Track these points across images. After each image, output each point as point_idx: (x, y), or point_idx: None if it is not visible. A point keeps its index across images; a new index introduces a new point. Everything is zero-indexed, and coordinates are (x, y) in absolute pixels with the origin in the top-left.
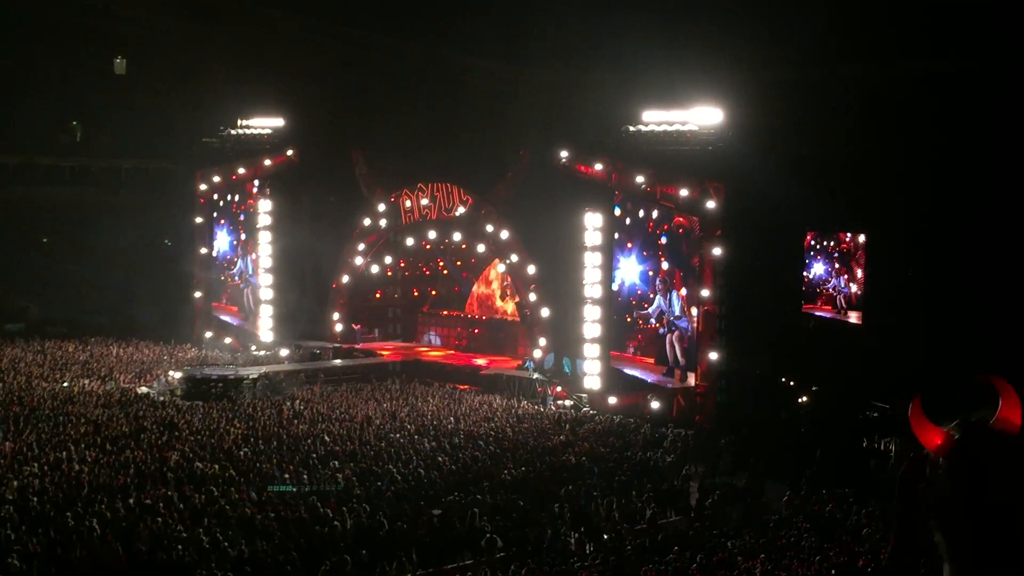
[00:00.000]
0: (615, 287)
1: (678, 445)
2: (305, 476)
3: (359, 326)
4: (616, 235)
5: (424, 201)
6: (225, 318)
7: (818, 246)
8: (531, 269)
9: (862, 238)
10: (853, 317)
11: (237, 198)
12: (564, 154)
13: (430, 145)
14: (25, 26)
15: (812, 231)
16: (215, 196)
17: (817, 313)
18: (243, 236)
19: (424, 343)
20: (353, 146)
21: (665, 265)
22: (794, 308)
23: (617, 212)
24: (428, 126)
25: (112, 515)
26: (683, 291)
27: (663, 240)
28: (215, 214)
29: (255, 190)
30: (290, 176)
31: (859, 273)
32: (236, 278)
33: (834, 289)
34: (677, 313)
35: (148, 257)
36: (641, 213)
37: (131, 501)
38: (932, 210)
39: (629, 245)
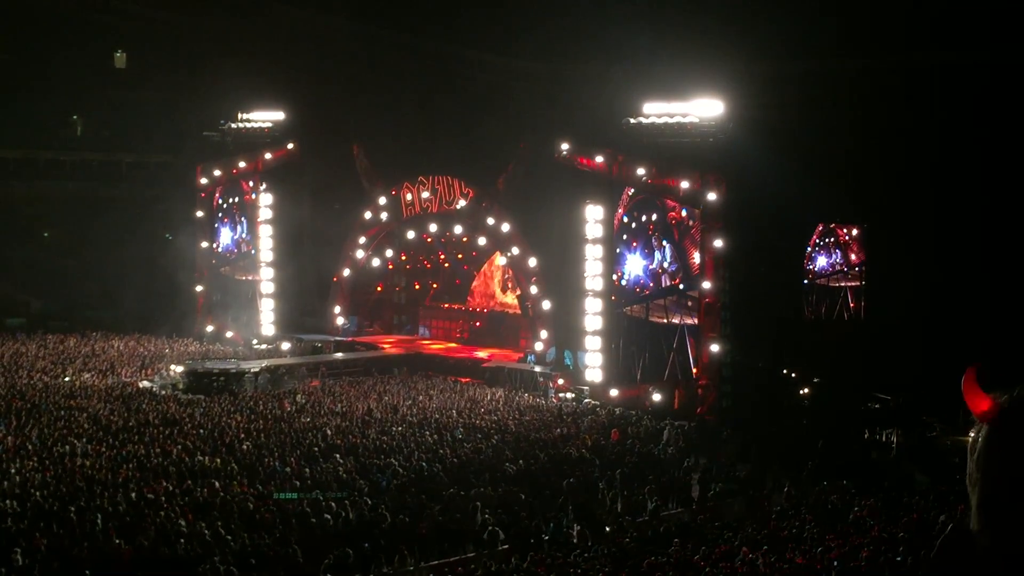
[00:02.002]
0: (624, 282)
1: (680, 437)
2: (307, 470)
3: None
4: (624, 236)
5: (425, 194)
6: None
7: (821, 242)
8: (532, 262)
9: (855, 231)
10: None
11: (238, 199)
12: (565, 147)
13: (431, 138)
14: (25, 21)
15: (821, 223)
16: (217, 195)
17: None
18: (243, 233)
19: (417, 335)
20: (354, 139)
21: (659, 254)
22: (796, 299)
23: (620, 212)
24: (429, 119)
25: (114, 509)
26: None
27: (663, 242)
28: (220, 214)
29: (255, 184)
30: (291, 169)
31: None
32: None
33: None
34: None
35: (149, 251)
36: (643, 218)
37: (133, 495)
38: (931, 202)
39: (634, 244)
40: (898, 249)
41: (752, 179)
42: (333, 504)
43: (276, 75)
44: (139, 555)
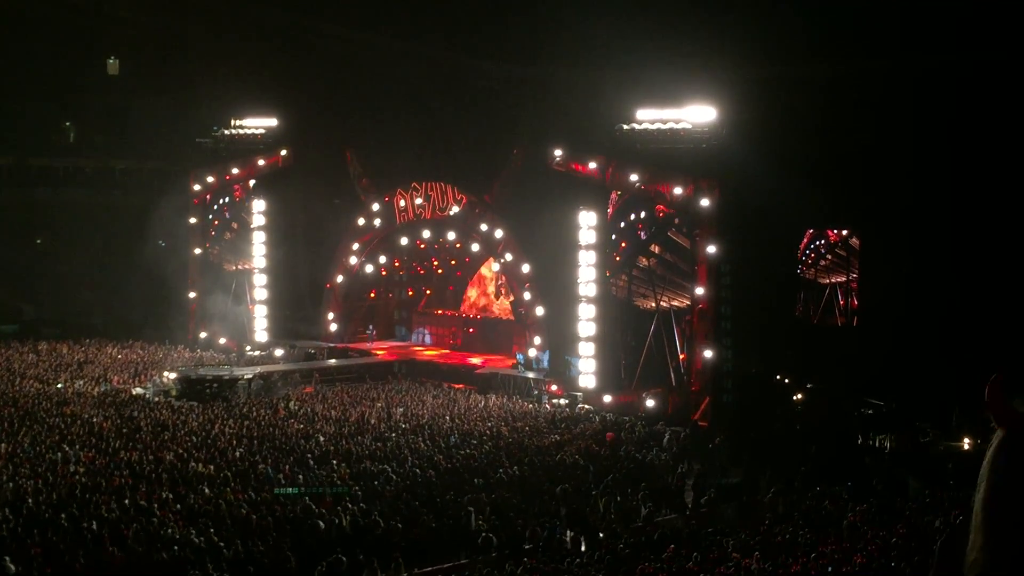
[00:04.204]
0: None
1: (673, 443)
2: (300, 476)
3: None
4: (613, 237)
5: (418, 200)
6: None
7: (812, 244)
8: (525, 268)
9: (844, 232)
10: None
11: (228, 200)
12: (558, 153)
13: (424, 144)
14: (18, 27)
15: (809, 229)
16: (209, 199)
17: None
18: (232, 221)
19: (415, 342)
20: (347, 146)
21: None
22: (789, 305)
23: (608, 213)
24: (422, 125)
25: (108, 516)
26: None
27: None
28: (210, 216)
29: (249, 190)
30: (284, 176)
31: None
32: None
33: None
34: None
35: (142, 258)
36: (632, 216)
37: (127, 502)
38: (924, 207)
39: (623, 245)
40: (891, 254)
41: (745, 185)
42: (324, 512)
43: (269, 81)
44: (132, 562)
